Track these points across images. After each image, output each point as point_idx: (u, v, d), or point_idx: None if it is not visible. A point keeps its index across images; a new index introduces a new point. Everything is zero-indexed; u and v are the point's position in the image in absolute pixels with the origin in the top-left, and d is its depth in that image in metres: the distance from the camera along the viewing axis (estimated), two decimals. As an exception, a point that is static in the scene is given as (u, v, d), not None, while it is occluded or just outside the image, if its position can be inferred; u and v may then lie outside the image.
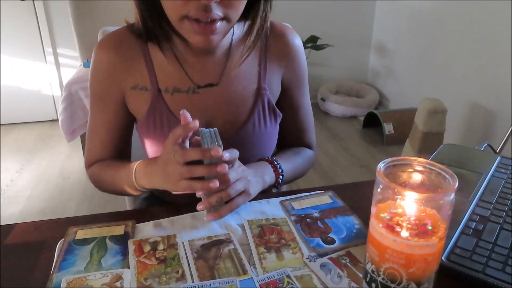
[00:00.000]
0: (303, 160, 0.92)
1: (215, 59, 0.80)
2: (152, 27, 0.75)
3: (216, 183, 0.64)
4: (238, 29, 0.83)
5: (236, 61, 0.80)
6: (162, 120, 0.79)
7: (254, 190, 0.73)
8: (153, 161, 0.73)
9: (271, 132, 0.86)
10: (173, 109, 0.80)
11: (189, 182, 0.65)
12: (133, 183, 0.76)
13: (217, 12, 0.66)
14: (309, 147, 0.96)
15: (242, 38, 0.81)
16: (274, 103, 0.86)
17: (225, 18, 0.69)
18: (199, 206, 0.67)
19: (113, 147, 0.86)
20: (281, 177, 0.82)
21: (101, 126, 0.84)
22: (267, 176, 0.79)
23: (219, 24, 0.68)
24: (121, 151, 0.88)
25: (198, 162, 0.66)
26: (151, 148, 0.84)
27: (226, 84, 0.81)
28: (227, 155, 0.65)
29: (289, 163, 0.86)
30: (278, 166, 0.82)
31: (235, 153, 0.69)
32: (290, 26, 0.90)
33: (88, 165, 0.88)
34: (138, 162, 0.77)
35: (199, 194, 0.67)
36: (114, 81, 0.80)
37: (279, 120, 0.87)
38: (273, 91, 0.86)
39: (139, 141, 0.90)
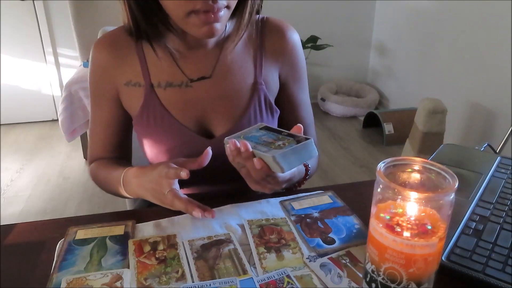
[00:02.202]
0: (315, 159, 0.93)
1: (207, 52, 0.81)
2: (144, 26, 0.76)
3: (199, 214, 0.67)
4: (230, 24, 0.83)
5: (228, 47, 0.81)
6: (156, 115, 0.80)
7: (282, 182, 0.72)
8: (140, 174, 0.74)
9: None
10: (166, 104, 0.80)
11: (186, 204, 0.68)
12: (122, 189, 0.78)
13: (222, 1, 0.68)
14: None
15: (233, 29, 0.82)
16: (272, 99, 0.86)
17: (227, 6, 0.70)
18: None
19: (111, 145, 0.88)
20: (309, 172, 0.82)
21: (99, 124, 0.87)
22: (297, 172, 0.77)
23: (222, 12, 0.70)
24: (120, 149, 0.89)
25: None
26: (147, 145, 0.84)
27: (220, 77, 0.81)
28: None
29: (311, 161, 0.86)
30: (308, 164, 0.81)
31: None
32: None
33: (90, 161, 0.92)
34: (125, 170, 0.77)
35: (195, 214, 0.68)
36: (108, 78, 0.82)
37: (276, 116, 0.87)
38: (270, 87, 0.85)
39: (136, 141, 0.90)
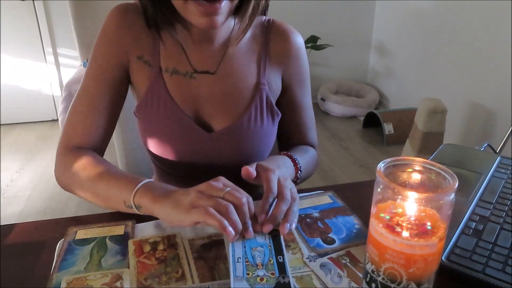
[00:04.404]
0: (312, 159, 0.92)
1: (214, 48, 0.81)
2: (152, 12, 0.76)
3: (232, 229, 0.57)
4: (237, 22, 0.83)
5: (235, 39, 0.80)
6: (159, 100, 0.80)
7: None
8: (165, 191, 0.64)
9: (268, 130, 0.85)
10: (171, 91, 0.80)
11: (205, 211, 0.57)
12: (130, 196, 0.66)
13: None
14: (311, 146, 0.96)
15: (237, 27, 0.81)
16: (274, 101, 0.86)
17: None
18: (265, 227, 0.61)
19: (98, 121, 0.79)
20: (300, 172, 0.81)
21: (95, 88, 0.79)
22: (290, 171, 0.78)
23: (223, 3, 0.69)
24: (103, 134, 0.81)
25: None
26: (148, 132, 0.83)
27: (224, 74, 0.81)
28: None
29: (302, 160, 0.85)
30: (297, 162, 0.80)
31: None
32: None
33: (65, 147, 0.78)
34: (146, 180, 0.67)
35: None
36: (122, 42, 0.79)
37: (277, 120, 0.87)
38: (273, 89, 0.86)
39: (136, 141, 0.89)
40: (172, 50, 0.80)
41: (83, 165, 0.74)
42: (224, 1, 0.68)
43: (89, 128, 0.79)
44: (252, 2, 0.76)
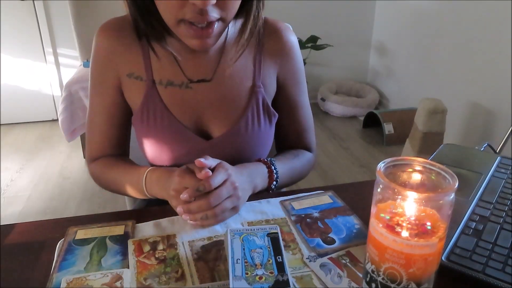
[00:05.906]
0: (302, 164, 0.91)
1: (209, 56, 0.81)
2: (143, 25, 0.76)
3: (185, 196, 0.66)
4: (232, 27, 0.83)
5: (230, 58, 0.81)
6: (155, 112, 0.80)
7: (242, 203, 0.72)
8: (163, 175, 0.75)
9: (265, 133, 0.85)
10: (166, 102, 0.80)
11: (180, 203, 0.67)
12: (143, 190, 0.78)
13: (213, 14, 0.67)
14: (308, 149, 0.95)
15: (236, 36, 0.81)
16: (270, 102, 0.85)
17: (221, 19, 0.69)
18: (184, 216, 0.67)
19: (112, 138, 0.86)
20: (275, 182, 0.80)
21: (100, 113, 0.84)
22: (260, 180, 0.78)
23: (215, 26, 0.69)
24: (120, 145, 0.88)
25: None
26: (146, 143, 0.84)
27: (220, 81, 0.81)
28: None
29: (286, 166, 0.84)
30: (274, 170, 0.80)
31: (220, 177, 0.68)
32: (289, 25, 0.90)
33: (90, 159, 0.89)
34: (147, 170, 0.78)
35: (183, 196, 0.66)
36: (112, 64, 0.81)
37: (274, 121, 0.86)
38: (268, 90, 0.85)
39: (135, 140, 0.90)
40: (164, 61, 0.80)
41: (103, 170, 0.86)
42: (216, 24, 0.68)
43: (102, 143, 0.87)
44: (251, 19, 0.75)
